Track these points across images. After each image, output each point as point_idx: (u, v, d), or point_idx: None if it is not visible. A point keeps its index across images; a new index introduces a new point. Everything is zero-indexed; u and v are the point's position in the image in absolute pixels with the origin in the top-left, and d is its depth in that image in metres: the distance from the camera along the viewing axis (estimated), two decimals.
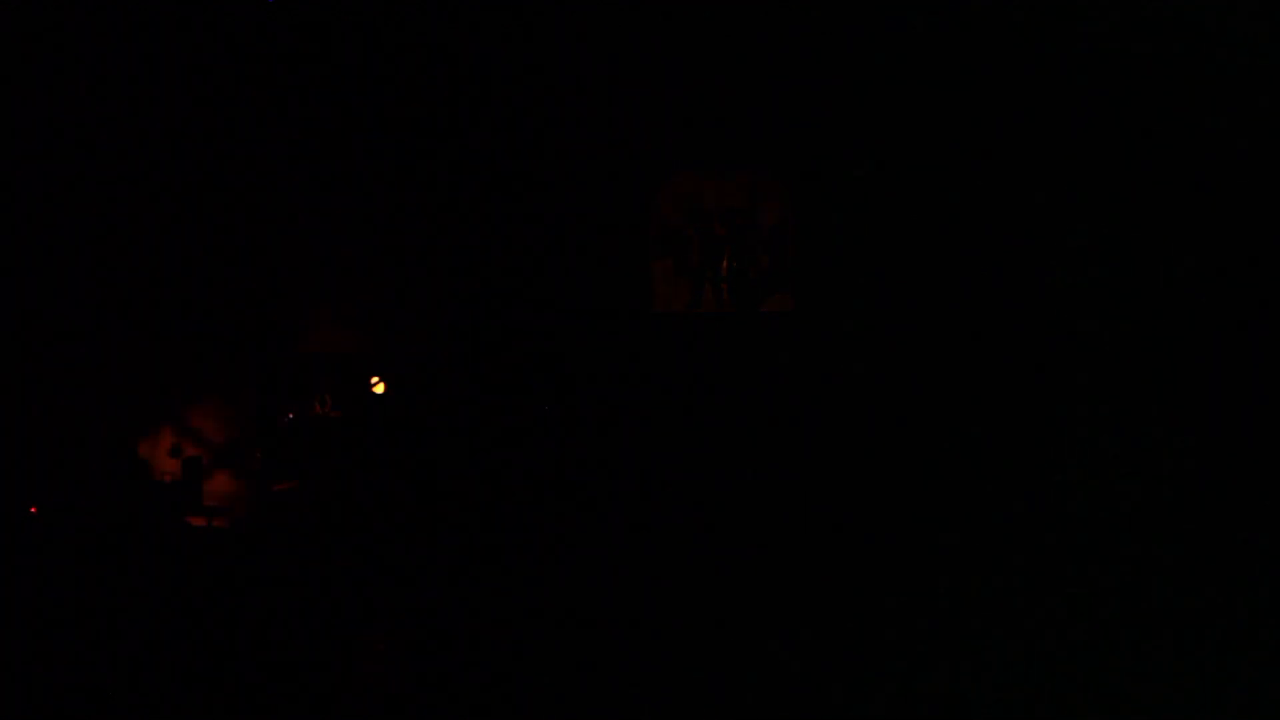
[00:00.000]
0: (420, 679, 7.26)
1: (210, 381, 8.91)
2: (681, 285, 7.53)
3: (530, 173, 8.51)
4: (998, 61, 8.26)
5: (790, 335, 7.90)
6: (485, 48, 8.76)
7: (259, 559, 8.70)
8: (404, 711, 6.69)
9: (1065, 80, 8.22)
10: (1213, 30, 7.86)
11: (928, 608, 8.02)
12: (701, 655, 7.40)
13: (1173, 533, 8.37)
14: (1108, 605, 7.77)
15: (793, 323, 7.82)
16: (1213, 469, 8.43)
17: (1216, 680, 6.62)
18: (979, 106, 7.94)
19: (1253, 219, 8.40)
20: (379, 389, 10.04)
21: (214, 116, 9.88)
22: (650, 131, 7.82)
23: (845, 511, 8.09)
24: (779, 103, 7.91)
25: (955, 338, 7.77)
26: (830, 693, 6.75)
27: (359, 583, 8.56)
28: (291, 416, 9.42)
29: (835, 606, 8.13)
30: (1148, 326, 8.71)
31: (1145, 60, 8.39)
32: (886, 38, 7.90)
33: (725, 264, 7.28)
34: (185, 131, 9.91)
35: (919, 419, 7.85)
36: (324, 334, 10.00)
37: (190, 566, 8.57)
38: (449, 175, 9.01)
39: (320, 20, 9.60)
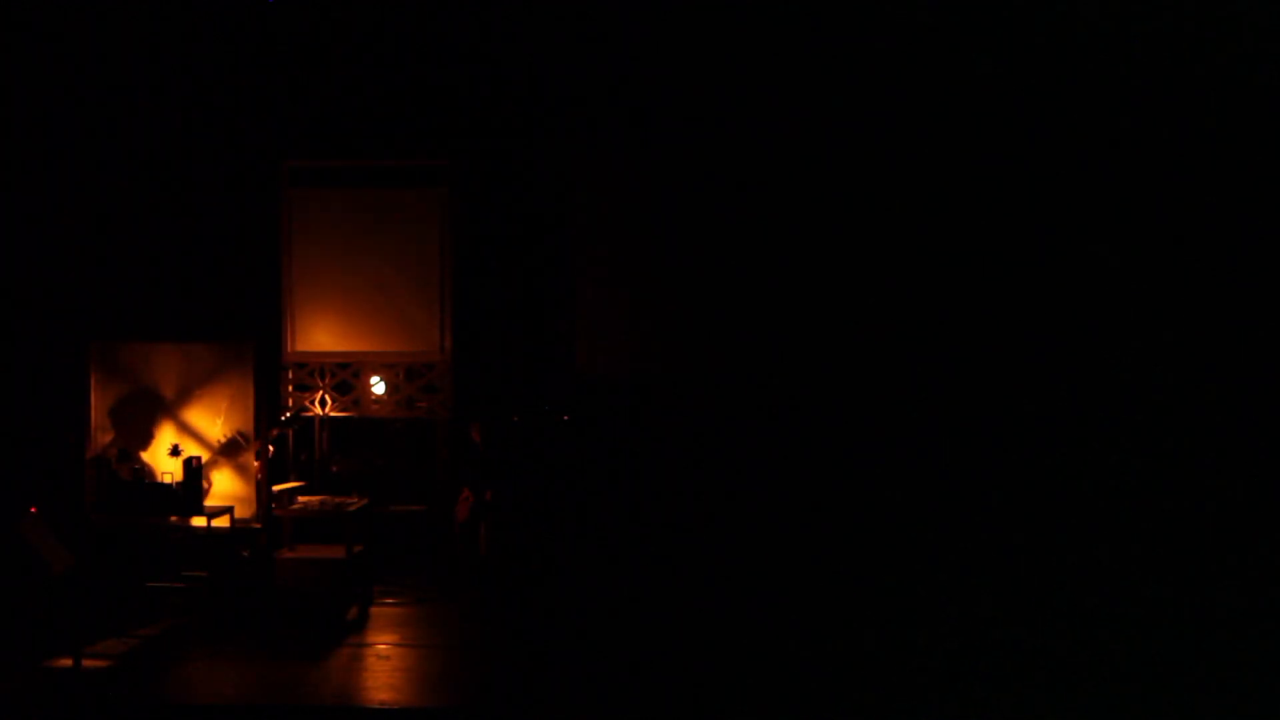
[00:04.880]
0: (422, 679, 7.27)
1: (210, 382, 8.89)
2: None
3: None
4: None
5: None
6: None
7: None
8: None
9: None
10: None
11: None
12: None
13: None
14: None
15: None
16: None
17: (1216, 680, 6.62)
18: None
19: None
20: (378, 389, 10.03)
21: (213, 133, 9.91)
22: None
23: None
24: None
25: None
26: None
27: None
28: (285, 417, 9.39)
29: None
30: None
31: None
32: None
33: None
34: (179, 139, 9.92)
35: None
36: (320, 337, 10.00)
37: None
38: None
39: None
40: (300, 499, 8.80)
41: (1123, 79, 8.85)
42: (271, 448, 8.96)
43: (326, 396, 9.96)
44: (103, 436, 8.83)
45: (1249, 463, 8.58)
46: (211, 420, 8.85)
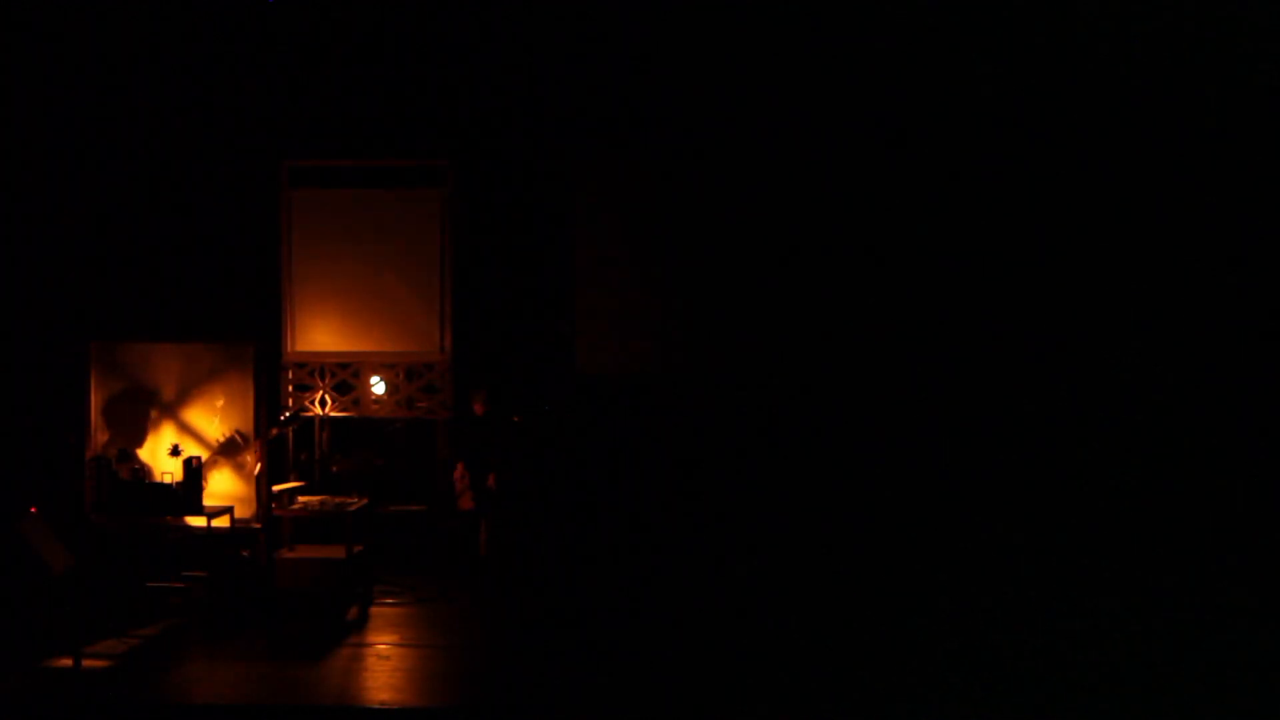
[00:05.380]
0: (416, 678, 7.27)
1: (210, 382, 8.90)
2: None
3: None
4: None
5: None
6: None
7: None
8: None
9: None
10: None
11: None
12: None
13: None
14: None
15: None
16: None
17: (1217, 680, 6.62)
18: None
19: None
20: (378, 389, 10.03)
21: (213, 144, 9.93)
22: None
23: None
24: None
25: None
26: None
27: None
28: (285, 416, 9.38)
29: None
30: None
31: None
32: None
33: None
34: (178, 138, 9.92)
35: None
36: (320, 337, 9.99)
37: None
38: None
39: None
40: (300, 499, 8.80)
41: (1123, 79, 8.85)
42: (269, 447, 8.96)
43: (326, 396, 9.96)
44: (102, 436, 8.84)
45: (1249, 463, 8.58)
46: (210, 420, 8.85)
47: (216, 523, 8.44)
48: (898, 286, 9.52)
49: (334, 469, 10.04)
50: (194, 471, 8.42)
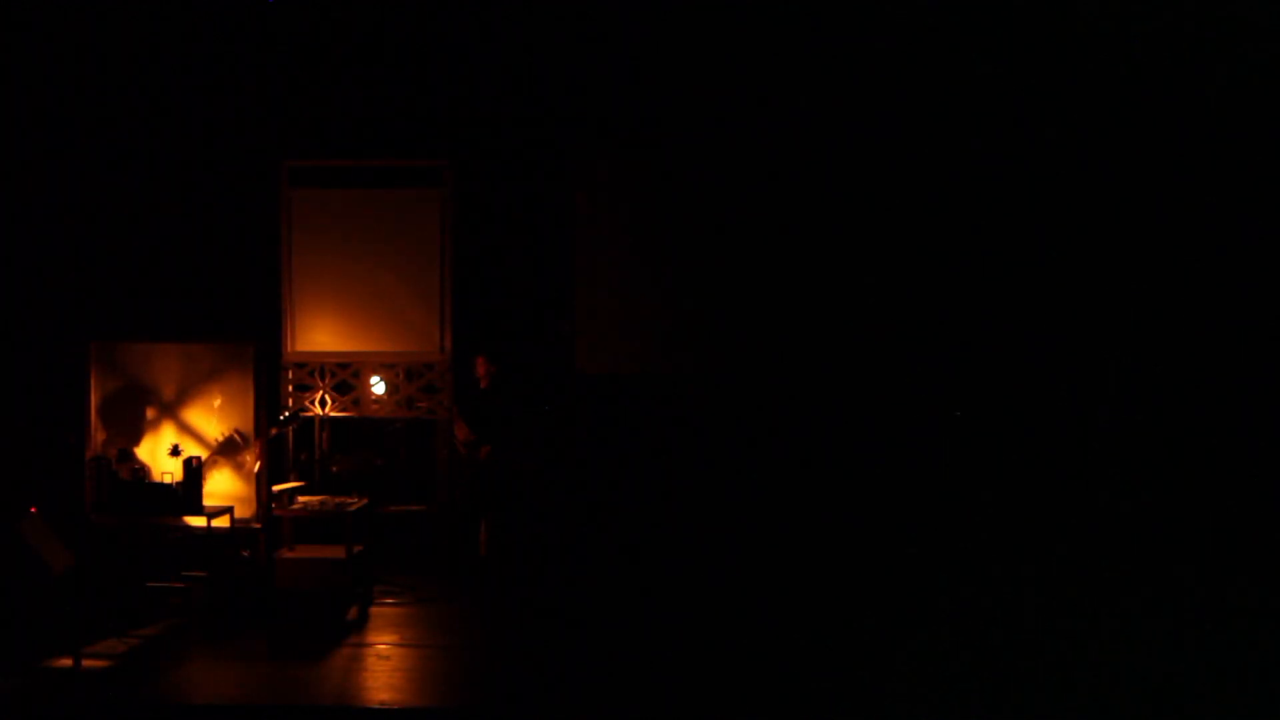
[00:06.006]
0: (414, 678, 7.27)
1: (210, 382, 8.90)
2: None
3: None
4: None
5: None
6: None
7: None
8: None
9: None
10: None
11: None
12: None
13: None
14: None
15: None
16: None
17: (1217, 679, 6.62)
18: None
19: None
20: (378, 389, 10.03)
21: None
22: None
23: None
24: None
25: None
26: None
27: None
28: (284, 416, 9.38)
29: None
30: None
31: None
32: None
33: None
34: (179, 138, 9.93)
35: None
36: (320, 337, 9.99)
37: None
38: None
39: None
40: (300, 499, 8.79)
41: (1123, 79, 8.86)
42: (269, 446, 8.96)
43: (326, 396, 9.96)
44: (102, 436, 8.83)
45: (1249, 463, 8.59)
46: (210, 420, 8.85)
47: (216, 523, 8.44)
48: (898, 286, 9.53)
49: (334, 469, 10.04)
50: (194, 471, 8.42)
